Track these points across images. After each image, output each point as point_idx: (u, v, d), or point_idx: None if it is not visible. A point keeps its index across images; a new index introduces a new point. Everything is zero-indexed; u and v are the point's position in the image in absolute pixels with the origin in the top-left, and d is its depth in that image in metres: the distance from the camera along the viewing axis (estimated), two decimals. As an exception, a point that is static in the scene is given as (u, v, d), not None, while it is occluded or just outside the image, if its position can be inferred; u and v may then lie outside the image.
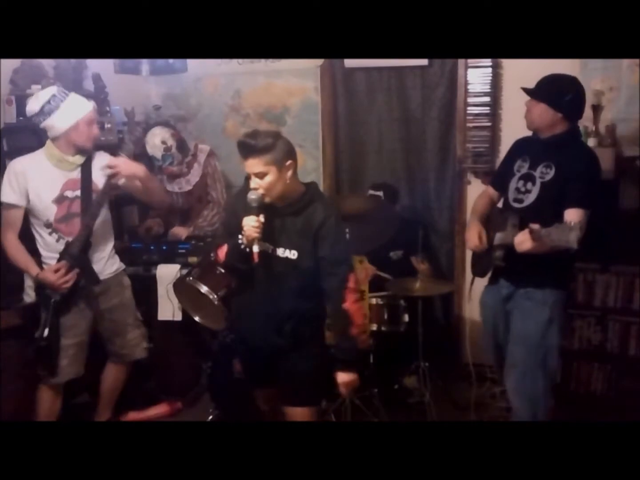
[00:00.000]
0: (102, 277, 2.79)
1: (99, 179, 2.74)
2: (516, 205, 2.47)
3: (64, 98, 2.61)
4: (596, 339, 3.25)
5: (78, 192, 2.70)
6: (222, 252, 2.30)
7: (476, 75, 3.45)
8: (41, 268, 2.66)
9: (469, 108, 3.50)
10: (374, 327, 3.14)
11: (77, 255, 2.63)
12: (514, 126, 3.41)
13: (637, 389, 3.09)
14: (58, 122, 2.60)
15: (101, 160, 2.76)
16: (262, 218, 2.14)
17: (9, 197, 2.64)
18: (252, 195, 2.14)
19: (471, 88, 3.48)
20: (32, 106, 2.60)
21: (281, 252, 2.19)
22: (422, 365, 3.27)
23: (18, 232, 2.68)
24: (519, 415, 2.53)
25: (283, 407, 2.33)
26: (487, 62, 3.40)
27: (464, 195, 3.66)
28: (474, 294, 3.64)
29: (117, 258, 2.95)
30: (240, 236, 2.16)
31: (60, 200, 2.68)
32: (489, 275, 2.69)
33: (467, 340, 3.02)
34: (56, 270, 2.60)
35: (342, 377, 2.23)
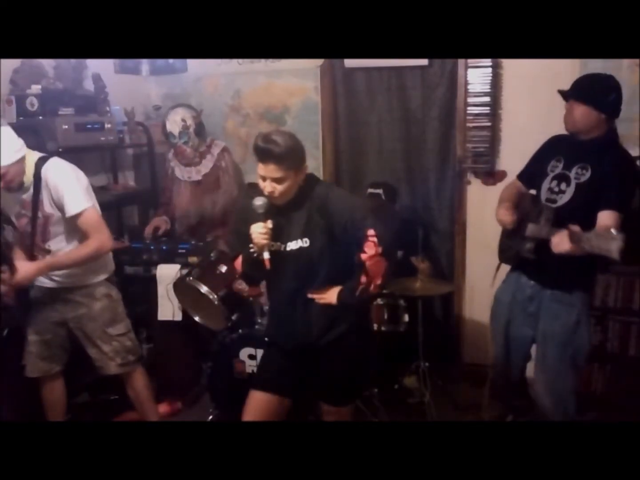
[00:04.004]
0: (66, 285, 2.68)
1: (46, 199, 2.53)
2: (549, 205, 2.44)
3: None
4: (596, 339, 3.25)
5: (29, 212, 2.57)
6: (238, 263, 2.30)
7: (476, 75, 3.45)
8: None
9: (469, 108, 3.51)
10: (374, 327, 3.14)
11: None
12: (514, 126, 3.45)
13: (637, 389, 3.09)
14: None
15: (50, 173, 2.51)
16: (269, 224, 2.13)
17: None
18: (257, 202, 2.13)
19: (471, 88, 3.48)
20: None
21: (293, 244, 2.18)
22: (422, 365, 3.28)
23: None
24: (548, 415, 2.54)
25: (321, 404, 2.32)
26: (487, 62, 3.40)
27: (464, 195, 3.67)
28: (477, 292, 3.66)
29: (96, 271, 2.72)
30: (251, 245, 2.16)
31: (18, 216, 2.63)
32: (507, 270, 2.68)
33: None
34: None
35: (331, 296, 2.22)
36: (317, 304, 2.22)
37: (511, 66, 3.39)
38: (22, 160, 2.49)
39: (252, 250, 2.16)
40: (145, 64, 4.29)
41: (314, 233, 2.16)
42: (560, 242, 2.12)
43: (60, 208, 2.53)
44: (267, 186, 2.11)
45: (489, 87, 3.43)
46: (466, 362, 3.76)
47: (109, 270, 2.80)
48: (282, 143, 2.06)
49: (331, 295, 2.20)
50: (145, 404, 2.98)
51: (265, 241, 2.11)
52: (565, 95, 2.44)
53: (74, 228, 2.58)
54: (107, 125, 3.43)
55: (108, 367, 2.79)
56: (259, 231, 2.11)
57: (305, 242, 2.17)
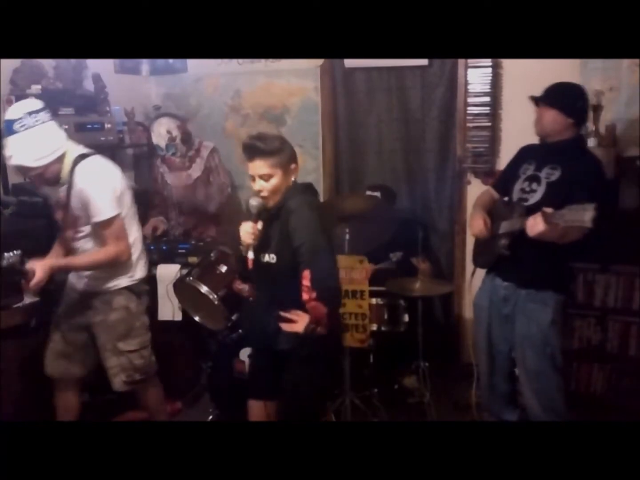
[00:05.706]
0: (90, 288, 2.64)
1: (74, 200, 2.47)
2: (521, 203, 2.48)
3: (44, 121, 2.34)
4: (596, 339, 3.25)
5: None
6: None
7: (476, 75, 3.45)
8: None
9: (469, 108, 3.51)
10: (374, 327, 3.14)
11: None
12: (514, 126, 3.44)
13: (637, 389, 3.09)
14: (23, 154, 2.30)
15: (81, 175, 2.44)
16: (259, 225, 2.17)
17: None
18: (253, 202, 2.18)
19: (471, 88, 3.48)
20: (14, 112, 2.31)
21: (264, 257, 2.22)
22: (422, 365, 3.28)
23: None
24: (539, 416, 2.53)
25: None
26: (487, 62, 3.40)
27: (464, 195, 3.67)
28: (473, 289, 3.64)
29: (115, 277, 2.62)
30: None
31: (57, 208, 2.60)
32: (482, 275, 2.69)
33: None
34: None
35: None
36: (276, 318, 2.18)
37: (511, 66, 3.39)
38: (61, 157, 2.40)
39: (241, 247, 2.21)
40: (145, 64, 4.29)
41: (282, 249, 2.17)
42: (535, 224, 2.17)
43: (86, 212, 2.46)
44: (256, 184, 2.16)
45: (489, 87, 3.43)
46: (466, 362, 3.75)
47: (131, 277, 2.66)
48: (267, 140, 2.12)
49: (299, 325, 2.09)
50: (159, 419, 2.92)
51: (250, 241, 2.16)
52: (536, 100, 2.50)
53: (98, 232, 2.53)
54: (107, 125, 3.43)
55: (112, 382, 2.70)
56: (247, 230, 2.16)
57: (273, 258, 2.19)
